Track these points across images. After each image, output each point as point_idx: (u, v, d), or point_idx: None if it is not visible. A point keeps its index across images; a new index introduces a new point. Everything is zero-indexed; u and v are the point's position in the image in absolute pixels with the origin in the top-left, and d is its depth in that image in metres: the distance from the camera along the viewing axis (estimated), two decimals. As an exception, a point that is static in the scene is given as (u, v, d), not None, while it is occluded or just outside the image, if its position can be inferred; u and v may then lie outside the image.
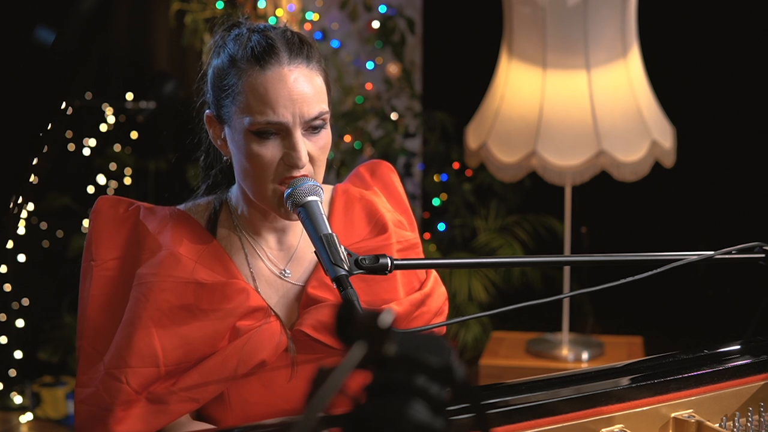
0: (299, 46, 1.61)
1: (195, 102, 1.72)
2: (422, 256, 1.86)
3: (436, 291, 1.78)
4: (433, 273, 1.82)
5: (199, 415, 1.66)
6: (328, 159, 1.67)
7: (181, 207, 1.73)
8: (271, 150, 1.58)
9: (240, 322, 1.60)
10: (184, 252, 1.63)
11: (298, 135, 1.58)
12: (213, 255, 1.65)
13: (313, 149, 1.60)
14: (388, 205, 1.82)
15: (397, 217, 1.80)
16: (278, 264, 1.70)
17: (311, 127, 1.60)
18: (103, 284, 1.64)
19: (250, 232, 1.70)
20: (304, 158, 1.58)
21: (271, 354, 1.60)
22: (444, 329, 1.88)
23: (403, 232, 1.78)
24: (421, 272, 1.79)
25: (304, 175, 1.59)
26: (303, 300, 1.67)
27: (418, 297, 1.72)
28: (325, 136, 1.62)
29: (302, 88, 1.58)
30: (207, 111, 1.68)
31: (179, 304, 1.58)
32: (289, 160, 1.58)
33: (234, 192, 1.72)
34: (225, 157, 1.69)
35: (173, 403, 1.56)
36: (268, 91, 1.56)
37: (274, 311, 1.65)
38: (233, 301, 1.60)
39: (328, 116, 1.62)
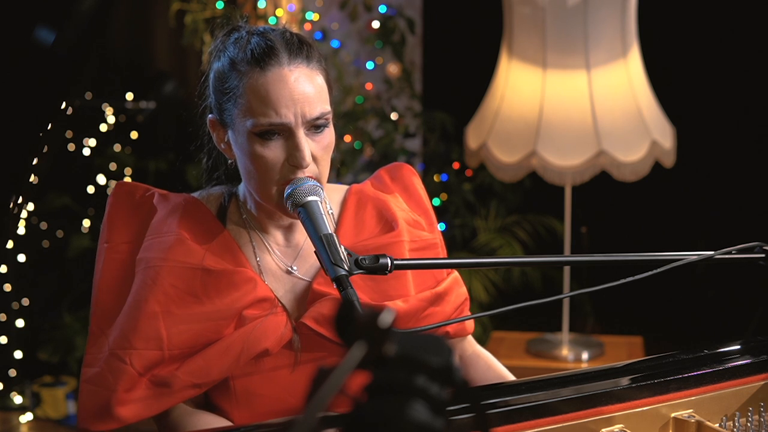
0: (298, 46, 1.61)
1: (197, 106, 1.73)
2: (441, 256, 1.86)
3: (453, 291, 1.78)
4: (454, 273, 1.82)
5: (206, 405, 1.67)
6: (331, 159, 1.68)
7: (195, 195, 1.76)
8: (274, 151, 1.59)
9: (246, 310, 1.61)
10: (194, 239, 1.65)
11: (301, 135, 1.58)
12: (222, 244, 1.67)
13: (316, 149, 1.61)
14: (405, 205, 1.82)
15: (414, 217, 1.80)
16: (285, 260, 1.72)
17: (314, 127, 1.60)
18: (113, 267, 1.67)
19: (258, 228, 1.72)
20: (308, 158, 1.59)
21: (274, 344, 1.61)
22: (470, 330, 1.88)
23: (419, 232, 1.78)
24: (439, 272, 1.79)
25: (308, 176, 1.59)
26: (309, 296, 1.68)
27: (427, 295, 1.72)
28: (328, 135, 1.63)
29: (303, 87, 1.58)
30: (210, 115, 1.69)
31: (186, 290, 1.60)
32: (293, 160, 1.58)
33: (242, 189, 1.74)
34: (229, 161, 1.70)
35: (176, 386, 1.57)
36: (269, 92, 1.57)
37: (281, 302, 1.66)
38: (240, 289, 1.61)
39: (330, 115, 1.63)
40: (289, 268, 1.71)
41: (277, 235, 1.73)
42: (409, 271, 1.72)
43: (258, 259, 1.70)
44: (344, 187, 1.83)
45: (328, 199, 1.78)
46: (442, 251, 1.84)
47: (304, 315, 1.65)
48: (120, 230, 1.70)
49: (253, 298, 1.62)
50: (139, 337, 1.57)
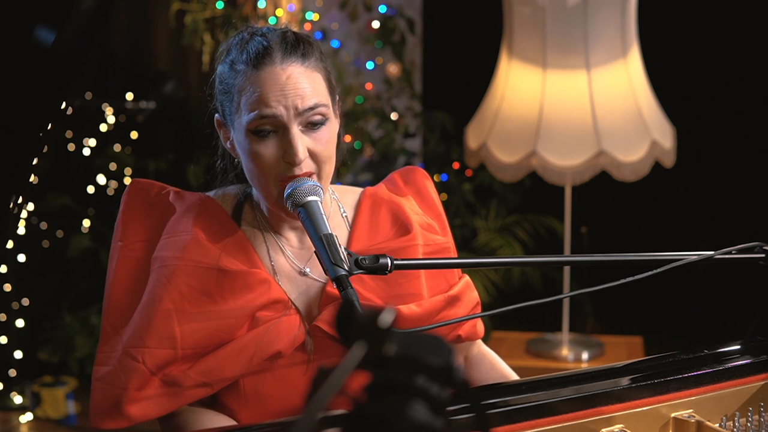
0: (294, 45, 1.62)
1: (206, 106, 1.74)
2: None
3: (465, 295, 1.78)
4: (466, 278, 1.82)
5: (214, 405, 1.67)
6: (336, 157, 1.67)
7: (210, 194, 1.76)
8: (270, 149, 1.59)
9: (260, 312, 1.61)
10: (210, 239, 1.65)
11: (295, 130, 1.59)
12: (237, 244, 1.67)
13: (314, 145, 1.61)
14: (418, 209, 1.82)
15: (427, 221, 1.80)
16: (298, 262, 1.72)
17: (310, 123, 1.60)
18: (128, 265, 1.67)
19: (271, 229, 1.72)
20: (301, 154, 1.58)
21: (287, 346, 1.61)
22: (481, 334, 1.88)
23: (432, 236, 1.78)
24: (452, 276, 1.79)
25: (305, 174, 1.59)
26: (323, 298, 1.68)
27: (440, 300, 1.72)
28: (327, 131, 1.62)
29: (295, 84, 1.59)
30: (216, 115, 1.70)
31: (201, 290, 1.60)
32: (287, 157, 1.59)
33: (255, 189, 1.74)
34: (236, 160, 1.71)
35: (187, 386, 1.57)
36: (261, 89, 1.58)
37: (294, 305, 1.66)
38: (255, 291, 1.62)
39: (327, 110, 1.62)
40: (303, 270, 1.71)
41: (291, 237, 1.73)
42: (423, 274, 1.72)
43: (272, 260, 1.70)
44: (358, 190, 1.83)
45: (342, 202, 1.79)
46: (454, 255, 1.84)
47: (317, 318, 1.64)
48: (135, 228, 1.70)
49: (266, 300, 1.62)
50: (152, 335, 1.57)
